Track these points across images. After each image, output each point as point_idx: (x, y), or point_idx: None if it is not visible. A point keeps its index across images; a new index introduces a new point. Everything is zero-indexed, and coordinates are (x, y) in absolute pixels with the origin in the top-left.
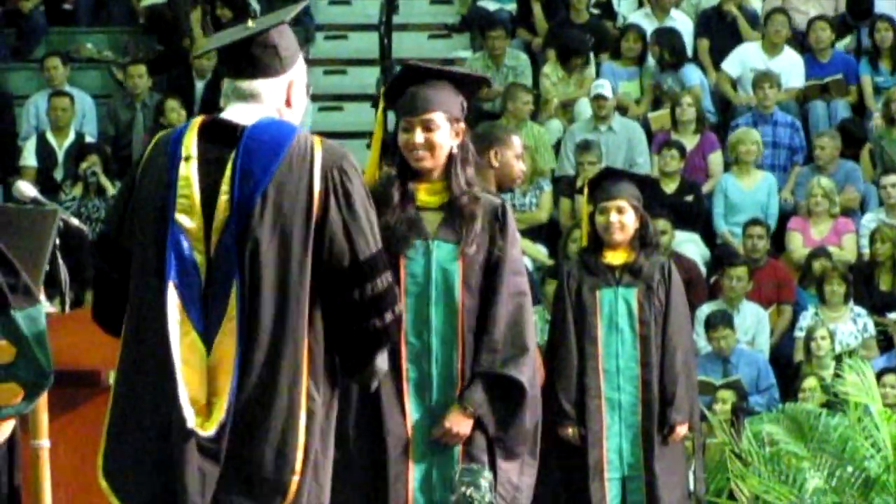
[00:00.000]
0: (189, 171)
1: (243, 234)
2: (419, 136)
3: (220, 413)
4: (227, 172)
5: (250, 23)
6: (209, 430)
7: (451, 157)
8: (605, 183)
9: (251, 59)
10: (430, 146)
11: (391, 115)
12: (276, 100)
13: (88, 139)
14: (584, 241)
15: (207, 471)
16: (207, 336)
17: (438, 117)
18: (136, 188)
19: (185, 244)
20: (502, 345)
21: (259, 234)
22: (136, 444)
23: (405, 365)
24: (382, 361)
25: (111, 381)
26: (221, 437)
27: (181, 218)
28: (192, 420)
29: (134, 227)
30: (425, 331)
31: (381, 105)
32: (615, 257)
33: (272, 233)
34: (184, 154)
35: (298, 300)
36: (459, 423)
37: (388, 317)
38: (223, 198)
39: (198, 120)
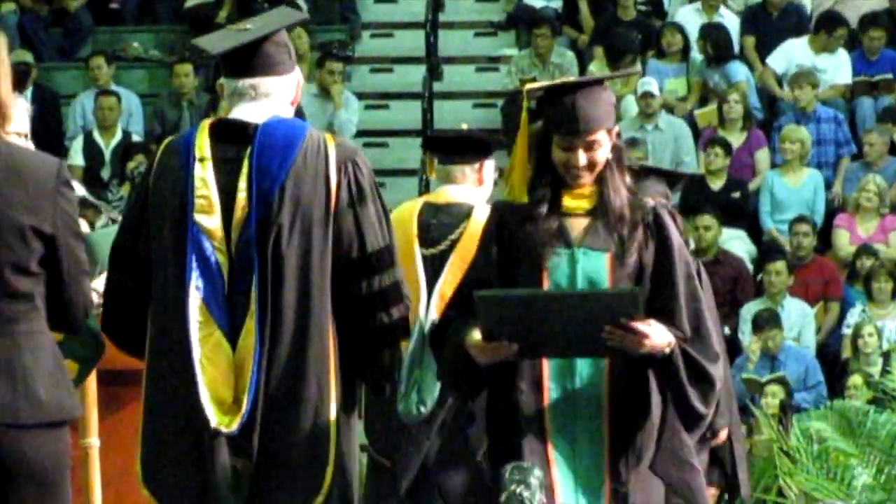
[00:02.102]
0: (205, 173)
1: (263, 229)
2: (582, 158)
3: (243, 409)
4: (244, 170)
5: (248, 24)
6: (232, 428)
7: (606, 162)
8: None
9: (266, 57)
10: (591, 166)
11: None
12: (285, 97)
13: (135, 138)
14: None
15: (241, 468)
16: (233, 334)
17: (602, 136)
18: (150, 194)
19: (206, 244)
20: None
21: (279, 227)
22: (171, 448)
23: (547, 384)
24: (392, 359)
25: None
26: (252, 434)
27: (200, 218)
28: (214, 420)
29: (151, 234)
30: None
31: (525, 105)
32: None
33: (292, 225)
34: (198, 155)
35: (321, 290)
36: (660, 333)
37: (395, 313)
38: (241, 195)
39: (206, 122)
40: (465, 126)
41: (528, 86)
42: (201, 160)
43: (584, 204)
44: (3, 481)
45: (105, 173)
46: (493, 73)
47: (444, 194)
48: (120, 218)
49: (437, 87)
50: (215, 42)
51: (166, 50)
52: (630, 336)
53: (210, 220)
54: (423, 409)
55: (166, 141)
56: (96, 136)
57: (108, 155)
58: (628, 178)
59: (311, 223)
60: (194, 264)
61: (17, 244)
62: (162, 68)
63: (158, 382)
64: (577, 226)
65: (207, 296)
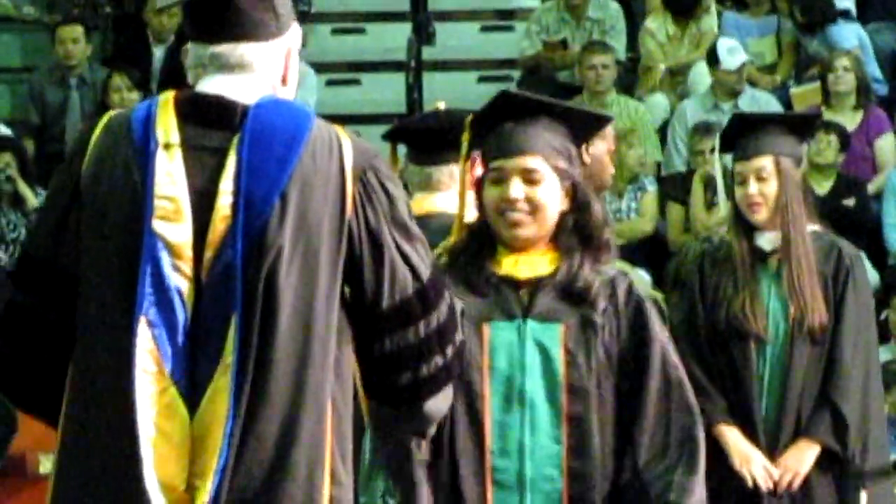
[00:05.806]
0: (171, 164)
1: (253, 251)
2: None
3: (204, 500)
4: (229, 165)
5: None
6: None
7: None
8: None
9: (239, 16)
10: None
11: None
12: (271, 72)
13: (3, 129)
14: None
15: None
16: (193, 394)
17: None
18: (83, 189)
19: (166, 263)
20: None
21: (278, 251)
22: None
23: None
24: (436, 404)
25: (42, 468)
26: None
27: (161, 227)
28: None
29: (83, 244)
30: None
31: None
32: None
33: (294, 250)
34: (161, 140)
35: (324, 346)
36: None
37: (425, 370)
38: (224, 200)
39: (170, 95)
40: (441, 105)
41: None
42: (167, 147)
43: None
44: None
45: None
46: (505, 34)
47: (426, 203)
48: None
49: (426, 53)
50: None
51: (45, 7)
52: None
53: (176, 230)
54: (390, 500)
55: (107, 116)
56: None
57: None
58: None
59: (319, 249)
60: (148, 289)
61: None
62: (40, 32)
63: (77, 459)
64: None
65: (160, 337)
